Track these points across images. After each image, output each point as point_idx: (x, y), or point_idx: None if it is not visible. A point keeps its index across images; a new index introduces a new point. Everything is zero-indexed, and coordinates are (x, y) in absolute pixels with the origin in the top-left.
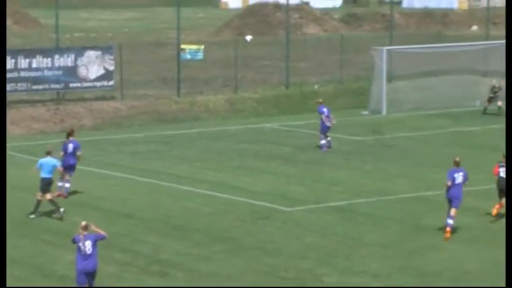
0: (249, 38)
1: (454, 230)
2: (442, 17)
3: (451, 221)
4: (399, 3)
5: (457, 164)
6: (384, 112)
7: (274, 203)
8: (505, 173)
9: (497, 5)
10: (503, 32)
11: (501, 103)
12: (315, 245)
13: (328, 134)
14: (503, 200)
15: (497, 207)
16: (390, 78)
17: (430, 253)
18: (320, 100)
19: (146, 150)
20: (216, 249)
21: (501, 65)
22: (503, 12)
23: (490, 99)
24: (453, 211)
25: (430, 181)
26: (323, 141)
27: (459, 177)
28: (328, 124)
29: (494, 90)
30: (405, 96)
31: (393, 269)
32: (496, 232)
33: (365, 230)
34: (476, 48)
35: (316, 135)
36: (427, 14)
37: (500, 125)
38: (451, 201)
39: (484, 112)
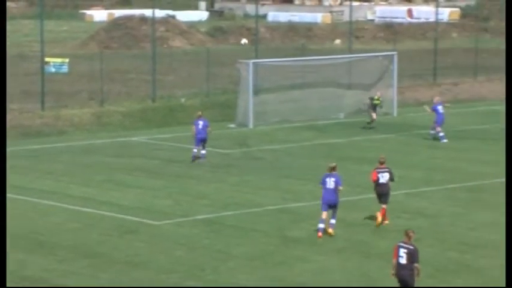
0: (244, 41)
1: (322, 239)
2: (306, 30)
3: (322, 225)
4: (264, 17)
5: (330, 169)
6: (251, 125)
7: (142, 217)
8: (385, 178)
9: (360, 19)
10: (366, 46)
11: (375, 116)
12: (183, 258)
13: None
14: (385, 206)
15: (381, 214)
16: (256, 91)
17: (297, 264)
18: (199, 113)
19: (10, 165)
20: (82, 265)
21: (364, 78)
22: (366, 26)
23: (373, 110)
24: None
25: (297, 193)
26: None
27: (331, 182)
28: (199, 136)
29: (374, 102)
30: (272, 109)
31: (260, 281)
32: (362, 243)
33: (233, 242)
34: (339, 62)
35: (189, 147)
36: (291, 28)
37: (365, 137)
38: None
39: (369, 127)
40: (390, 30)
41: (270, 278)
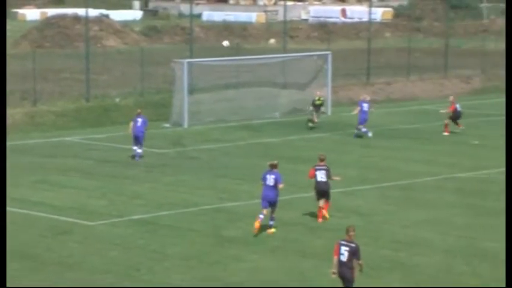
0: (225, 43)
1: (258, 238)
2: (241, 30)
3: (262, 216)
4: (199, 16)
5: (271, 167)
6: (185, 124)
7: (76, 218)
8: (323, 177)
9: (294, 19)
10: (300, 45)
11: (319, 115)
12: (118, 258)
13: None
14: (321, 202)
15: (321, 214)
16: (191, 91)
17: (232, 264)
18: (139, 110)
19: None
20: (16, 266)
21: (299, 77)
22: (300, 25)
23: (316, 110)
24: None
25: (233, 192)
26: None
27: (271, 179)
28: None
29: (316, 102)
30: (207, 109)
31: (196, 280)
32: (297, 242)
33: (168, 242)
34: (274, 61)
35: (123, 147)
36: (226, 27)
37: (300, 136)
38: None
39: (311, 126)
40: (324, 29)
41: (205, 277)
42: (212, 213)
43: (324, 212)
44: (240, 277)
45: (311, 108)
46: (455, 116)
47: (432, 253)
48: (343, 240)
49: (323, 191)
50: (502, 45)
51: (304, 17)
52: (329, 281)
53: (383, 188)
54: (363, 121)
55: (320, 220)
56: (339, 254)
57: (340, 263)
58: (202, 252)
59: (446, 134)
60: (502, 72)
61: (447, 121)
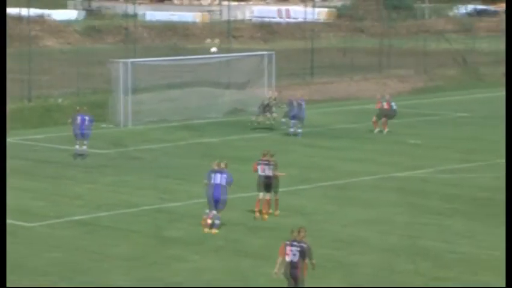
0: (213, 49)
1: (199, 238)
2: (184, 30)
3: (217, 221)
4: (142, 16)
5: (219, 166)
6: (127, 124)
7: (16, 219)
8: (265, 170)
9: (237, 19)
10: (244, 45)
11: (273, 115)
12: (58, 260)
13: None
14: (261, 195)
15: (265, 203)
16: (133, 91)
17: (174, 264)
18: (78, 108)
19: None
20: None
21: (242, 77)
22: (243, 25)
23: (266, 111)
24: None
25: (174, 193)
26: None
27: (221, 178)
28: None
29: (265, 103)
30: (148, 109)
31: (137, 281)
32: (238, 242)
33: (109, 243)
34: (217, 61)
35: (64, 148)
36: (169, 27)
37: (240, 136)
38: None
39: (256, 126)
40: (268, 29)
41: (147, 278)
42: (153, 214)
43: (266, 208)
44: (181, 277)
45: (261, 108)
46: (386, 115)
47: (372, 252)
48: (292, 240)
49: (264, 185)
50: (443, 45)
51: (248, 17)
52: (267, 281)
53: (324, 187)
54: (291, 117)
55: (257, 215)
56: (288, 254)
57: (290, 263)
58: (143, 252)
59: (377, 130)
60: (443, 72)
61: (375, 119)
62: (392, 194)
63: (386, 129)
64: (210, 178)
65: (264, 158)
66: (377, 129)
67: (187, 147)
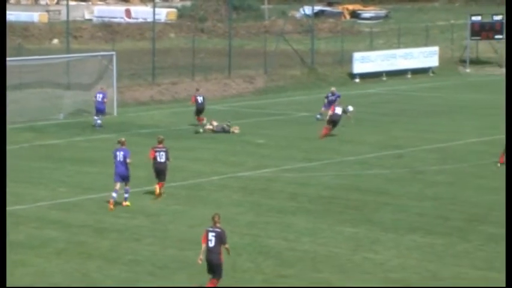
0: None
1: (42, 242)
2: (23, 30)
3: (115, 194)
4: None
5: (120, 143)
6: None
7: None
8: (162, 157)
9: (78, 19)
10: (84, 46)
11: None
12: None
13: None
14: (162, 182)
15: (158, 186)
16: None
17: (17, 269)
18: None
19: None
20: None
21: (83, 78)
22: (84, 25)
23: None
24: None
25: (17, 195)
26: None
27: (120, 155)
28: None
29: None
30: None
31: None
32: (82, 244)
33: None
34: (57, 62)
35: None
36: (7, 27)
37: (84, 137)
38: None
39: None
40: (109, 30)
41: None
42: None
43: (159, 189)
44: (25, 281)
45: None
46: (198, 110)
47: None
48: (209, 227)
49: (161, 171)
50: (283, 46)
51: (88, 17)
52: (114, 282)
53: (171, 187)
54: (96, 110)
55: (157, 193)
56: (207, 240)
57: (208, 249)
58: None
59: (200, 125)
60: (285, 72)
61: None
62: (238, 193)
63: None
64: (115, 156)
65: (160, 145)
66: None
67: (31, 150)
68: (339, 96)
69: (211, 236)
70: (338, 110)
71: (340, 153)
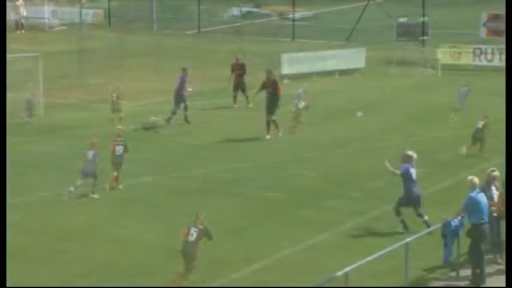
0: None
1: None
2: None
3: (72, 188)
4: None
5: (91, 145)
6: None
7: None
8: (120, 150)
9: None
10: (11, 45)
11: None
12: None
13: None
14: (116, 173)
15: (113, 180)
16: None
17: None
18: None
19: None
20: None
21: (8, 79)
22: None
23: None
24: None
25: None
26: None
27: (90, 154)
28: None
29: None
30: None
31: None
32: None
33: None
34: None
35: None
36: None
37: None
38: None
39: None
40: (35, 30)
41: None
42: None
43: (113, 182)
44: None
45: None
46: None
47: None
48: (193, 224)
49: (118, 164)
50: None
51: (14, 17)
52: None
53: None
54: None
55: (112, 186)
56: (188, 235)
57: (188, 242)
58: None
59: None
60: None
61: None
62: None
63: None
64: (85, 154)
65: (119, 139)
66: None
67: None
68: None
69: (193, 231)
70: None
71: None
